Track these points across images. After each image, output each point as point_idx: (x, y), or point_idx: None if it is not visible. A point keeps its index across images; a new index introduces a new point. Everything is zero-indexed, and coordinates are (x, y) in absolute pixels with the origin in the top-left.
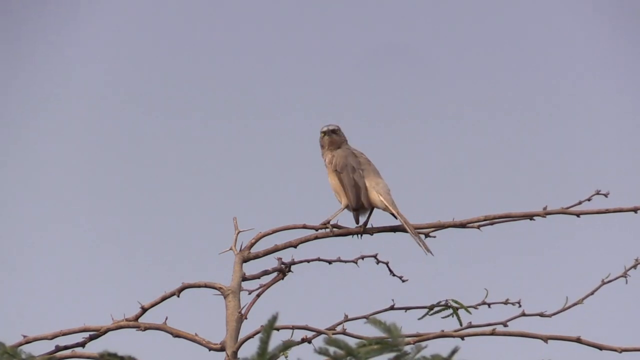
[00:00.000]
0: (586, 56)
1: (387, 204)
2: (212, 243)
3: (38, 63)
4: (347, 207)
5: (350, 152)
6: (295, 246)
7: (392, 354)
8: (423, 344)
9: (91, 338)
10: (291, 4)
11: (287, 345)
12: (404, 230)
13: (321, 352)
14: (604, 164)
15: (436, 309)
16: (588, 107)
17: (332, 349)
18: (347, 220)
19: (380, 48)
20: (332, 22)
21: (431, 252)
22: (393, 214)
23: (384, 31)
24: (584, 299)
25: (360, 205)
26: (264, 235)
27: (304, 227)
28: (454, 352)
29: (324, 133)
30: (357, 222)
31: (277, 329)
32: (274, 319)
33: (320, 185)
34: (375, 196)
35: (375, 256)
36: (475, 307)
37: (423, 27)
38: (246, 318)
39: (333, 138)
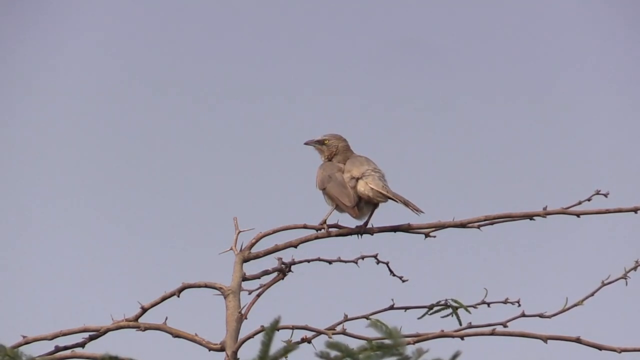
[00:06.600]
0: (586, 56)
1: (376, 190)
2: (212, 243)
3: (36, 56)
4: (337, 207)
5: (326, 163)
6: (295, 246)
7: (393, 358)
8: (424, 347)
9: (91, 338)
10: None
11: (288, 349)
12: (405, 230)
13: (322, 355)
14: (604, 164)
15: (436, 308)
16: (588, 107)
17: (333, 353)
18: (347, 220)
19: (390, 44)
20: (341, 19)
21: (421, 211)
22: (382, 194)
23: (393, 27)
24: (583, 300)
25: (357, 201)
26: (264, 235)
27: (305, 227)
28: (455, 356)
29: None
30: (357, 216)
31: (277, 329)
32: (276, 322)
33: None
34: (362, 186)
35: (375, 256)
36: (474, 306)
37: (435, 22)
38: (246, 318)
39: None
